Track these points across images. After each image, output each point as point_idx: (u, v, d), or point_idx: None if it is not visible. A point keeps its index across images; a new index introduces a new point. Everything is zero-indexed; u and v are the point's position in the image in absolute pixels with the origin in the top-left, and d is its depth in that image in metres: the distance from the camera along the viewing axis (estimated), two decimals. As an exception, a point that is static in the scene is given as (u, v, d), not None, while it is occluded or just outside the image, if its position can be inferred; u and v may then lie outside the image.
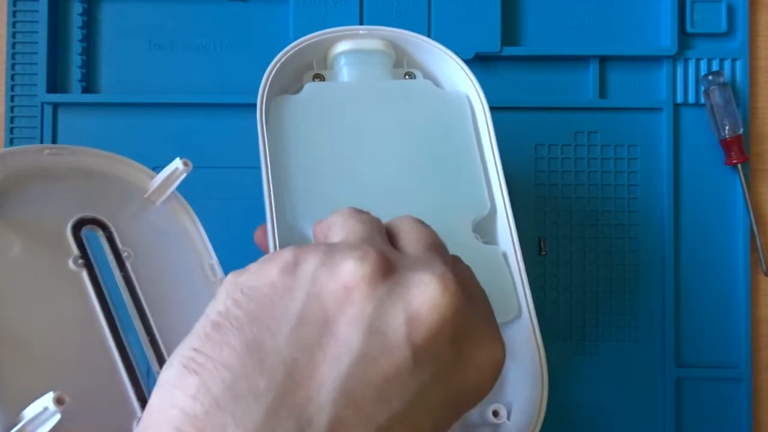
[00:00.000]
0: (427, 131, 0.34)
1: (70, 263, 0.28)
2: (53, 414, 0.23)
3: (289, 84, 0.36)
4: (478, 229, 0.33)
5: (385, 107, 0.35)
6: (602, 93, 0.48)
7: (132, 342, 0.29)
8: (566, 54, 0.48)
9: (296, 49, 0.34)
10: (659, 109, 0.48)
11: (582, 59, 0.48)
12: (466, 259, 0.31)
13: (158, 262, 0.31)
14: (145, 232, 0.31)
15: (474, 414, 0.33)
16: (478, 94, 0.35)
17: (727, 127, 0.46)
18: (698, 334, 0.47)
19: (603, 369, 0.47)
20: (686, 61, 0.48)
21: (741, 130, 0.46)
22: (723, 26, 0.48)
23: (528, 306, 0.32)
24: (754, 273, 0.47)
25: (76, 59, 0.48)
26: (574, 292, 0.47)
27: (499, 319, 0.31)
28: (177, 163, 0.31)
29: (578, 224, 0.47)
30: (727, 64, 0.48)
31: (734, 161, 0.47)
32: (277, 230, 0.30)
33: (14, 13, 0.47)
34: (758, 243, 0.47)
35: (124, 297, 0.30)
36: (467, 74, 0.35)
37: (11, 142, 0.47)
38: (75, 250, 0.29)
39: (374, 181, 0.33)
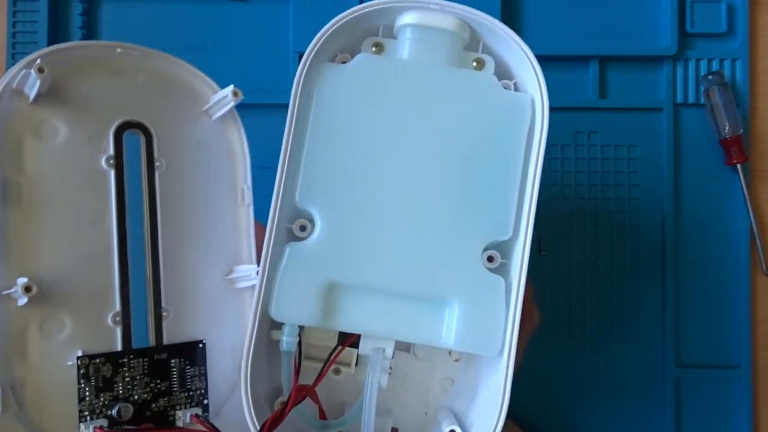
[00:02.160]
0: (474, 133, 0.31)
1: (103, 162, 0.30)
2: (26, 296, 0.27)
3: (351, 46, 0.33)
4: (494, 246, 0.31)
5: (437, 97, 0.31)
6: (602, 93, 0.48)
7: (134, 248, 0.30)
8: (566, 54, 0.48)
9: (357, 14, 0.31)
10: (659, 109, 0.48)
11: (582, 59, 0.48)
12: (466, 282, 0.29)
13: (192, 175, 0.32)
14: (190, 143, 0.32)
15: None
16: (543, 102, 0.31)
17: (727, 127, 0.46)
18: (698, 334, 0.47)
19: (603, 369, 0.47)
20: (686, 61, 0.48)
21: (741, 130, 0.46)
22: (723, 26, 0.48)
23: (509, 348, 0.29)
24: (754, 273, 0.47)
25: (76, 59, 0.48)
26: (574, 292, 0.47)
27: (479, 351, 0.30)
28: (228, 91, 0.32)
29: (578, 224, 0.48)
30: (727, 64, 0.48)
31: (734, 161, 0.47)
32: (280, 208, 0.29)
33: (14, 13, 0.47)
34: (758, 243, 0.47)
35: (143, 206, 0.31)
36: (537, 76, 0.31)
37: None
38: (111, 150, 0.30)
39: (396, 176, 0.30)
